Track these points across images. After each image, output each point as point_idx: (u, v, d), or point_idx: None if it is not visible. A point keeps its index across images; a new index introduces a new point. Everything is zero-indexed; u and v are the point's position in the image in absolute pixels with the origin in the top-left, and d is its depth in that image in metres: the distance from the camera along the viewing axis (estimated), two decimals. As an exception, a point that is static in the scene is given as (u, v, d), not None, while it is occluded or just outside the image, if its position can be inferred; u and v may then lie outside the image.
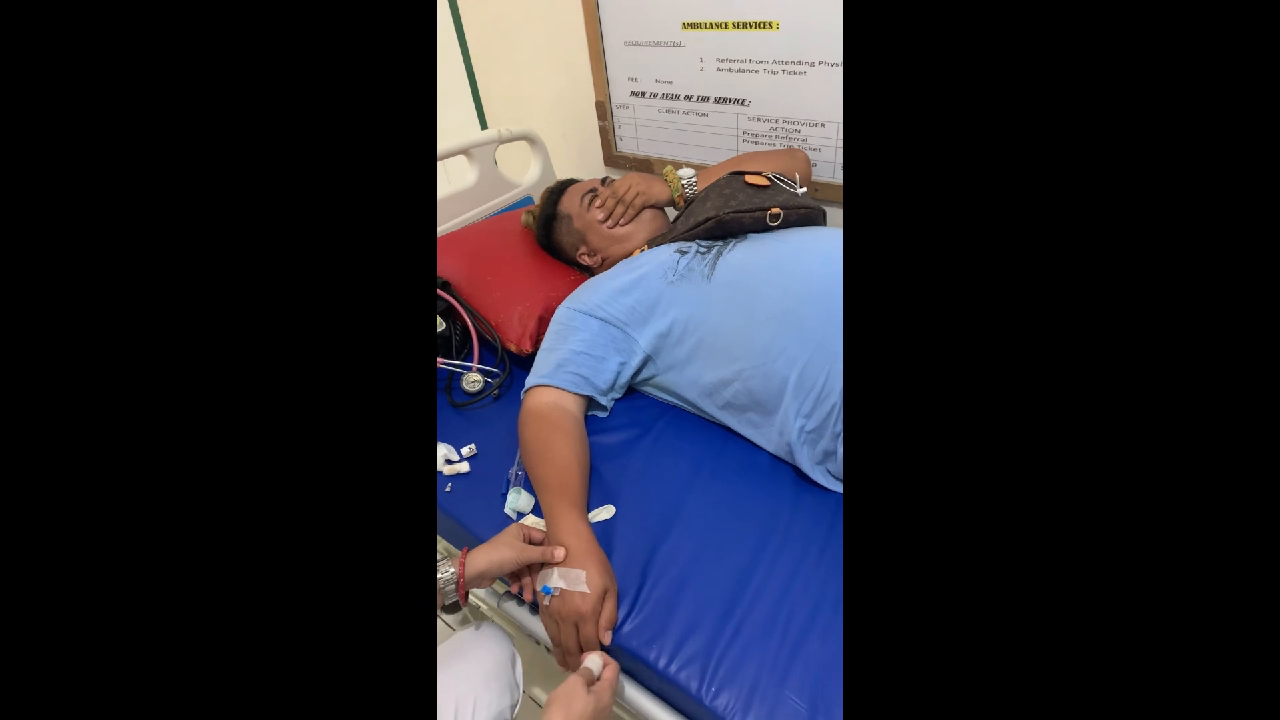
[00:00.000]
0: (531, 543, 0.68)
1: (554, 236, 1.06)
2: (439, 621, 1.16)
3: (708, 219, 0.88)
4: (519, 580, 0.69)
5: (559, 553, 0.64)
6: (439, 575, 0.62)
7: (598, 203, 1.01)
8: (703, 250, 0.86)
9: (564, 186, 1.08)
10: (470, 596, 0.69)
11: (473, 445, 0.87)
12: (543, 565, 0.66)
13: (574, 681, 0.57)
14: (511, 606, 0.72)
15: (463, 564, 0.63)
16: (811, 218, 0.90)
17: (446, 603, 0.64)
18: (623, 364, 0.87)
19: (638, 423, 0.87)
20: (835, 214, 1.15)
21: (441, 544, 0.92)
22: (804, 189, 0.95)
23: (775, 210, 0.87)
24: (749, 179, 0.92)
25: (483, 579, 0.64)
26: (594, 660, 0.61)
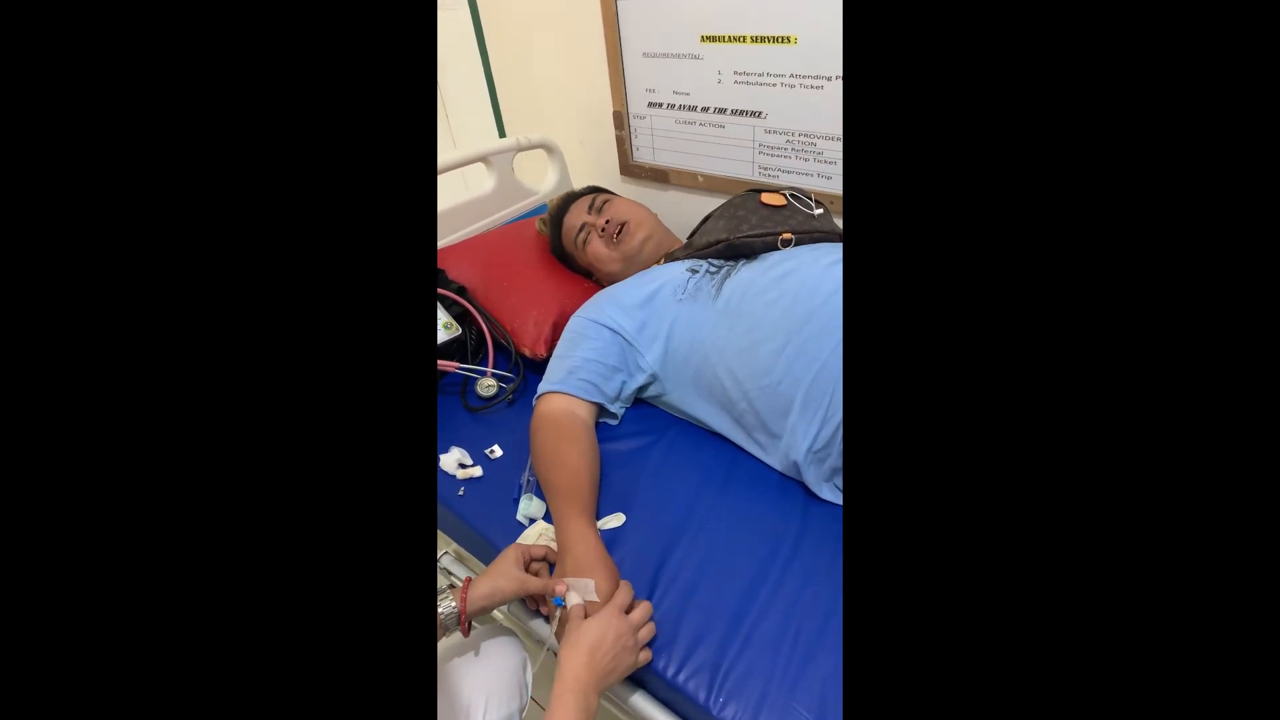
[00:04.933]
0: (533, 559, 0.68)
1: (566, 260, 1.09)
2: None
3: (719, 240, 0.88)
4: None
5: (560, 588, 0.64)
6: (440, 609, 0.62)
7: (593, 239, 1.01)
8: (713, 270, 0.87)
9: (561, 214, 1.07)
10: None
11: (496, 447, 0.88)
12: (551, 575, 0.67)
13: (576, 621, 0.58)
14: (522, 612, 0.72)
15: (464, 597, 0.63)
16: (826, 240, 0.89)
17: (449, 635, 0.65)
18: (630, 376, 0.87)
19: (650, 430, 0.88)
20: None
21: (453, 546, 0.93)
22: (821, 209, 0.95)
23: (786, 235, 0.87)
24: (765, 198, 0.93)
25: (483, 611, 0.65)
26: (572, 595, 0.62)
